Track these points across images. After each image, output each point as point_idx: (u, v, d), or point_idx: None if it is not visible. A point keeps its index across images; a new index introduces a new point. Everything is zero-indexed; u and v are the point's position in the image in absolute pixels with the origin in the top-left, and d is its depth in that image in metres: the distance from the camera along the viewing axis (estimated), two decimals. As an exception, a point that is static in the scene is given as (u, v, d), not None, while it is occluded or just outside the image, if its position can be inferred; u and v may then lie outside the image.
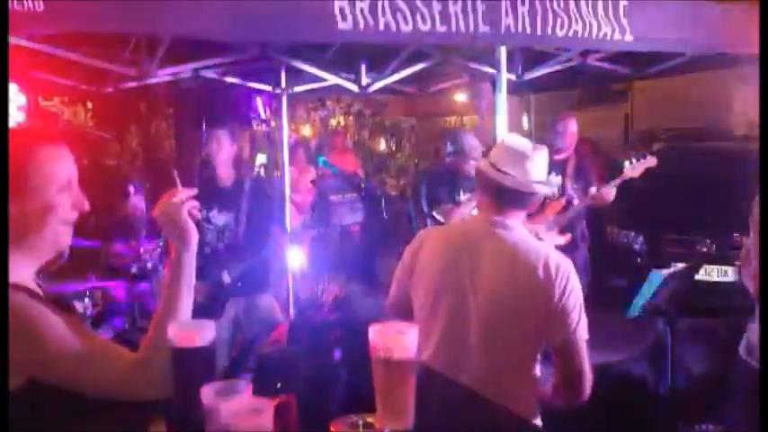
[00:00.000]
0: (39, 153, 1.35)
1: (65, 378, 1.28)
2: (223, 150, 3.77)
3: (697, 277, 3.52)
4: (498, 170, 2.05)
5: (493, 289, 1.99)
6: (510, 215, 2.06)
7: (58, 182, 1.36)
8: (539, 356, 2.06)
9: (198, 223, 3.56)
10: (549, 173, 4.93)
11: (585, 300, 2.01)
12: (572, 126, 4.92)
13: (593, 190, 4.82)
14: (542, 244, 2.11)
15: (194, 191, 1.47)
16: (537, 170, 2.07)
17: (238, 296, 3.76)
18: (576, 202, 4.81)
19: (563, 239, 4.73)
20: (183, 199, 1.44)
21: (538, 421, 2.02)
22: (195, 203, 1.46)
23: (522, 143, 2.12)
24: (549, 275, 1.94)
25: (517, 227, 2.07)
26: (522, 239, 2.06)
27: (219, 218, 3.75)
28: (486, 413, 1.43)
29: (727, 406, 2.47)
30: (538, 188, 2.06)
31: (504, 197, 2.04)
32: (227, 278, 3.61)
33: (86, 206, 1.40)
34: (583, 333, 1.96)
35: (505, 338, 1.98)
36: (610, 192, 4.62)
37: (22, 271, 1.35)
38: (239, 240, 3.72)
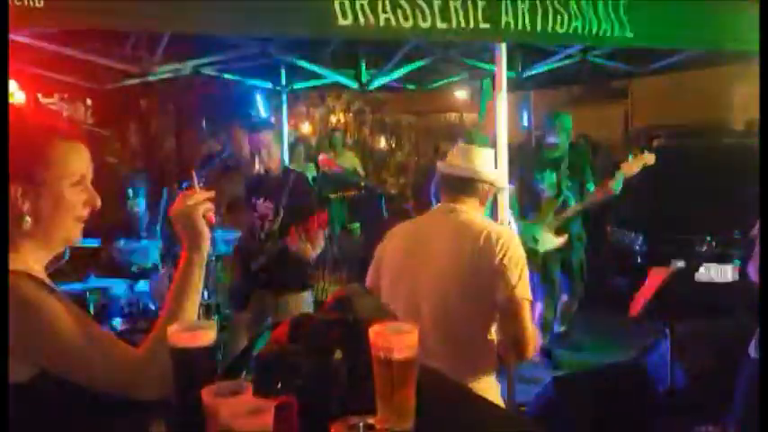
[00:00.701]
0: (55, 147, 1.36)
1: (71, 368, 1.29)
2: (270, 148, 3.82)
3: (697, 277, 3.52)
4: (448, 164, 2.41)
5: (439, 263, 2.23)
6: (462, 201, 2.36)
7: (72, 177, 1.37)
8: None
9: (246, 209, 3.59)
10: (545, 170, 4.98)
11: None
12: (566, 123, 4.89)
13: (589, 188, 4.80)
14: (488, 221, 2.41)
15: (211, 193, 1.48)
16: (483, 163, 2.40)
17: (268, 289, 3.75)
18: (571, 202, 4.79)
19: (560, 240, 4.71)
20: (200, 200, 1.45)
21: (493, 377, 2.25)
22: (210, 206, 1.47)
23: (470, 145, 2.53)
24: (488, 242, 2.19)
25: (469, 210, 2.35)
26: (470, 218, 2.33)
27: (263, 206, 3.81)
28: (482, 410, 1.43)
29: (731, 405, 2.47)
30: (482, 175, 2.37)
31: (455, 186, 2.38)
32: (254, 267, 3.66)
33: (98, 203, 1.42)
34: (524, 293, 2.18)
35: (454, 309, 2.18)
36: (616, 185, 4.59)
37: (33, 262, 1.36)
38: (276, 231, 3.75)
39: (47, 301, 1.29)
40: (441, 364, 1.87)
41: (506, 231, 2.34)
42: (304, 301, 3.83)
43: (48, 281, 1.38)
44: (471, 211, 2.35)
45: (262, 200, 3.81)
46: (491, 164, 2.46)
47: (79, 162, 1.39)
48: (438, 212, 2.44)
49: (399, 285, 2.29)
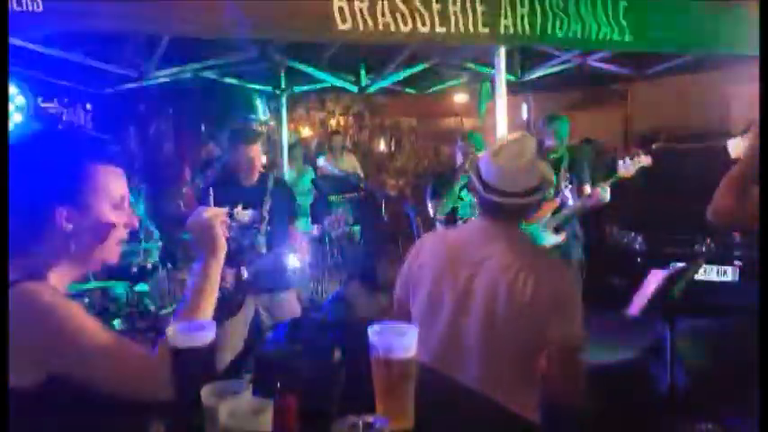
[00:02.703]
0: (98, 172, 1.39)
1: (90, 374, 1.29)
2: (246, 153, 3.85)
3: (696, 277, 3.52)
4: (487, 186, 2.04)
5: (490, 293, 1.99)
6: (505, 221, 2.07)
7: (113, 200, 1.40)
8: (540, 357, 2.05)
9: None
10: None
11: (582, 298, 2.01)
12: (563, 126, 4.94)
13: (587, 189, 4.84)
14: (538, 248, 2.11)
15: (225, 211, 1.61)
16: (527, 180, 2.04)
17: (259, 293, 3.82)
18: (570, 202, 4.83)
19: (558, 239, 4.75)
20: (219, 214, 1.57)
21: (536, 417, 2.00)
22: (227, 220, 1.60)
23: (510, 154, 2.06)
24: (543, 278, 1.95)
25: (514, 231, 2.08)
26: (518, 244, 2.08)
27: (244, 214, 3.83)
28: (483, 411, 1.43)
29: (731, 405, 2.46)
30: (527, 200, 2.03)
31: (497, 210, 2.05)
32: (245, 273, 3.71)
33: (135, 223, 1.46)
34: (579, 332, 1.95)
35: (504, 342, 1.97)
36: (603, 192, 4.63)
37: (62, 278, 1.38)
38: (261, 237, 3.81)
39: (69, 309, 1.30)
40: (485, 392, 1.72)
41: (559, 262, 2.13)
42: (294, 299, 3.97)
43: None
44: (517, 231, 2.09)
45: (240, 207, 3.85)
46: (534, 175, 2.06)
47: (119, 184, 1.43)
48: (479, 229, 2.11)
49: (441, 306, 2.05)
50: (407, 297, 2.17)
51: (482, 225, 2.10)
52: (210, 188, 1.68)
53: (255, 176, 3.88)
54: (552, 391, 1.99)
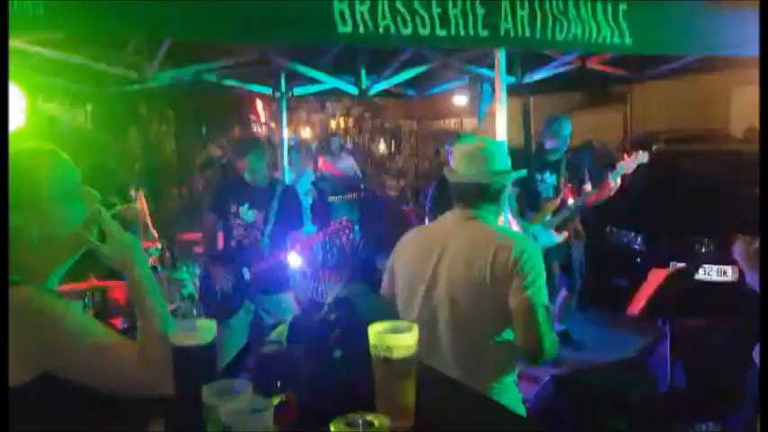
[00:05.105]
0: (30, 168, 1.34)
1: (82, 370, 1.29)
2: (258, 154, 3.88)
3: (696, 277, 3.53)
4: (455, 172, 2.28)
5: (454, 270, 2.15)
6: (476, 207, 2.25)
7: (54, 193, 1.35)
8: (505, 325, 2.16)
9: (228, 217, 3.68)
10: (544, 172, 5.02)
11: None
12: (565, 127, 4.95)
13: (587, 187, 4.87)
14: (506, 228, 2.32)
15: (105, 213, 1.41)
16: (493, 163, 2.26)
17: (258, 294, 3.83)
18: (570, 201, 4.85)
19: (559, 238, 4.77)
20: (98, 211, 1.40)
21: (513, 376, 2.15)
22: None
23: (474, 143, 2.33)
24: (504, 250, 2.09)
25: (484, 216, 2.25)
26: (486, 226, 2.23)
27: (249, 214, 3.84)
28: (483, 410, 1.43)
29: (731, 405, 2.47)
30: (495, 178, 2.25)
31: (470, 194, 2.26)
32: (247, 275, 3.72)
33: (95, 205, 1.39)
34: (540, 297, 2.06)
35: (470, 316, 2.12)
36: (612, 183, 4.64)
37: (46, 277, 1.37)
38: (265, 239, 3.82)
39: (65, 311, 1.30)
40: (458, 366, 1.99)
41: (523, 238, 2.22)
42: (291, 300, 4.01)
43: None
44: (487, 217, 2.25)
45: (246, 207, 3.87)
46: (504, 159, 2.30)
47: (59, 175, 1.36)
48: (453, 219, 2.31)
49: (414, 292, 2.23)
50: (391, 289, 2.33)
51: (456, 213, 2.30)
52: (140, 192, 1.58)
53: (262, 179, 3.91)
54: (521, 352, 2.10)
